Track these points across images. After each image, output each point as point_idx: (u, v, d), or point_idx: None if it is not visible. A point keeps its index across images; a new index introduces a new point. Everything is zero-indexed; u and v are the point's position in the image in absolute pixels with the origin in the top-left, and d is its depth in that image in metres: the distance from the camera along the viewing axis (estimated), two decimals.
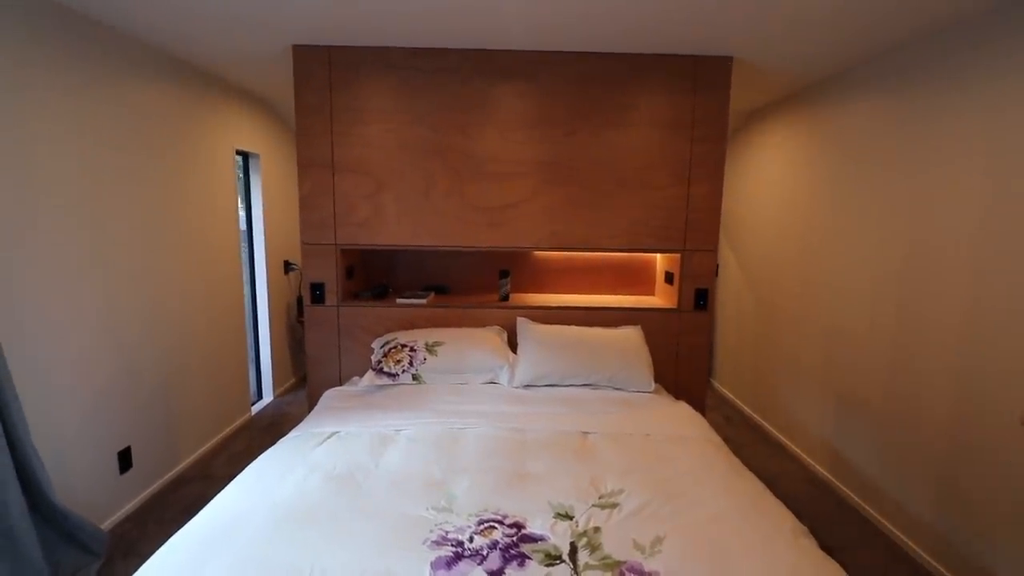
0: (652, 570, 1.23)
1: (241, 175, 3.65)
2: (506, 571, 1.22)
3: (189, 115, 2.86)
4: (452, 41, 2.47)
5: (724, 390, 4.28)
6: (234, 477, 1.70)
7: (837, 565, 1.31)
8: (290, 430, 2.09)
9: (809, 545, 1.38)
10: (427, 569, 1.21)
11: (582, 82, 2.61)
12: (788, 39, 2.32)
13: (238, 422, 3.45)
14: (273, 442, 2.07)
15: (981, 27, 1.95)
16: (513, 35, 2.39)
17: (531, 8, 2.07)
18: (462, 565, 1.23)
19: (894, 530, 2.35)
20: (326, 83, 2.57)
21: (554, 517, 1.44)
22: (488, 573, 1.21)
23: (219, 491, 1.60)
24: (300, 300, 4.28)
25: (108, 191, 2.30)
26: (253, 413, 3.68)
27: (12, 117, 1.86)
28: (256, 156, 3.67)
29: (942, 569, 2.09)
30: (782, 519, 1.47)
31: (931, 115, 2.18)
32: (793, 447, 3.21)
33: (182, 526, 1.41)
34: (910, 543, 2.26)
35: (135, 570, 1.25)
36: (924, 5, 1.92)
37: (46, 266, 2.01)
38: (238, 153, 3.46)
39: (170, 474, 2.75)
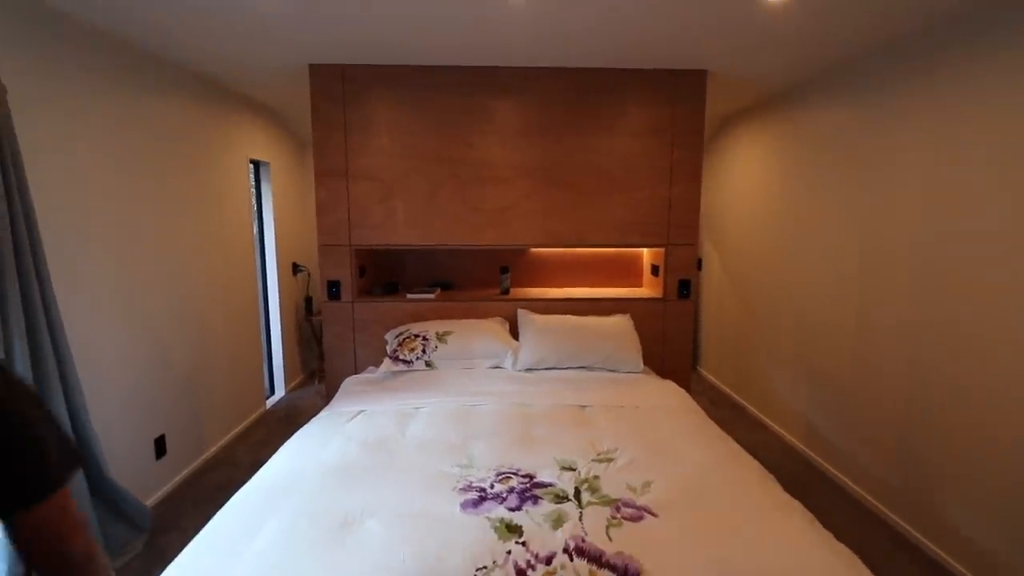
0: (643, 504, 1.50)
1: (253, 182, 3.87)
2: (523, 507, 1.48)
3: (208, 128, 3.09)
4: (455, 59, 2.74)
5: (710, 376, 4.58)
6: (258, 463, 1.88)
7: (798, 503, 1.58)
8: (304, 421, 2.30)
9: (774, 487, 1.66)
10: (457, 508, 1.47)
11: (573, 94, 2.88)
12: (757, 54, 2.61)
13: (255, 414, 3.67)
14: (290, 432, 2.22)
15: (935, 37, 2.19)
16: (512, 54, 2.65)
17: (528, 30, 2.34)
18: (487, 504, 1.49)
19: (857, 488, 2.65)
20: (340, 98, 2.82)
21: (560, 469, 1.70)
22: (509, 509, 1.47)
23: (246, 476, 1.74)
24: (308, 300, 4.50)
25: (138, 200, 2.52)
26: (268, 407, 3.90)
27: (49, 132, 2.05)
28: (267, 164, 3.89)
29: (897, 518, 2.39)
30: (752, 468, 1.75)
31: (888, 118, 2.46)
32: (770, 422, 3.51)
33: (216, 507, 1.54)
34: (870, 498, 2.56)
35: (176, 545, 1.35)
36: (882, 19, 2.17)
37: (94, 268, 2.23)
38: (251, 162, 3.68)
39: (199, 460, 2.97)
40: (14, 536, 0.74)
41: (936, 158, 2.19)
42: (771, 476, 1.75)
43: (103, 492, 2.14)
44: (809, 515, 1.49)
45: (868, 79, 2.58)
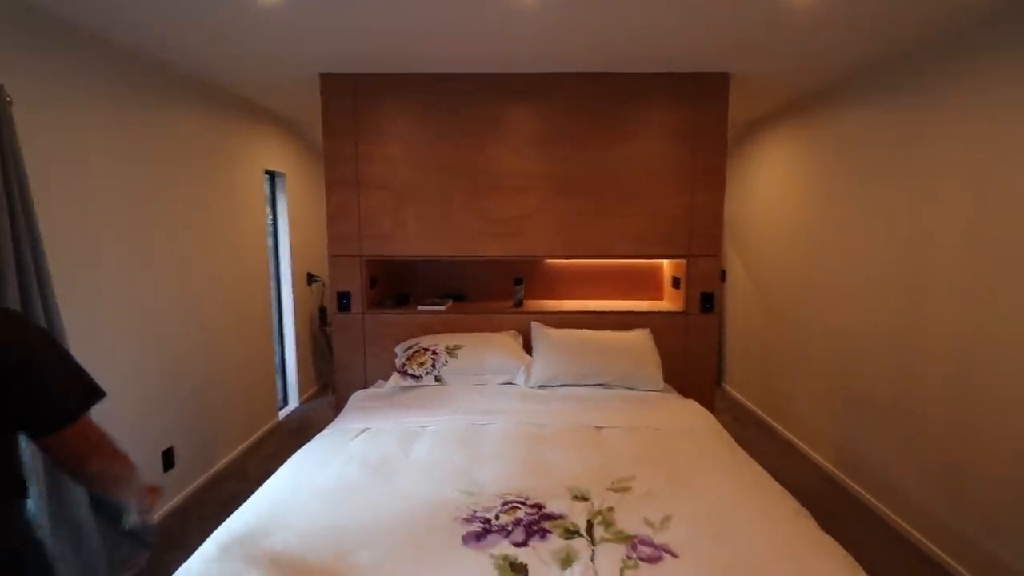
0: (662, 543, 1.37)
1: (268, 193, 3.87)
2: (530, 543, 1.36)
3: (223, 138, 3.08)
4: (467, 66, 2.67)
5: (735, 392, 4.38)
6: (267, 476, 1.79)
7: (835, 541, 1.42)
8: (315, 434, 2.23)
9: (808, 524, 1.50)
10: (459, 541, 1.36)
11: (590, 100, 2.78)
12: (783, 56, 2.47)
13: (267, 426, 3.62)
14: (300, 445, 2.18)
15: (975, 38, 2.06)
16: (525, 60, 2.57)
17: (542, 35, 2.26)
18: (490, 538, 1.37)
19: (898, 520, 2.45)
20: (351, 107, 2.78)
21: (571, 499, 1.58)
22: (514, 545, 1.35)
23: (254, 489, 1.69)
24: (323, 310, 4.47)
25: (152, 209, 2.51)
26: (280, 418, 3.85)
27: (64, 142, 2.05)
28: (282, 175, 3.89)
29: (945, 556, 2.18)
30: (783, 500, 1.60)
31: (926, 122, 2.30)
32: (800, 443, 3.30)
33: (222, 521, 1.49)
34: (914, 532, 2.35)
35: (179, 563, 1.28)
36: (916, 18, 2.04)
37: (102, 278, 2.21)
38: (266, 172, 3.68)
39: (208, 473, 2.93)
40: (46, 455, 0.95)
41: (985, 160, 2.02)
42: (805, 511, 1.59)
43: (106, 506, 2.10)
44: (850, 559, 1.33)
45: (904, 80, 2.41)
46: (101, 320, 2.20)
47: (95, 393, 0.98)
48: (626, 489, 1.64)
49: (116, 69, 2.28)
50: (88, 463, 0.95)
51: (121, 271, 2.31)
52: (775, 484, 1.73)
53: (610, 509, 1.52)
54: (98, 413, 2.09)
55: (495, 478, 1.69)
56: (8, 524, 0.91)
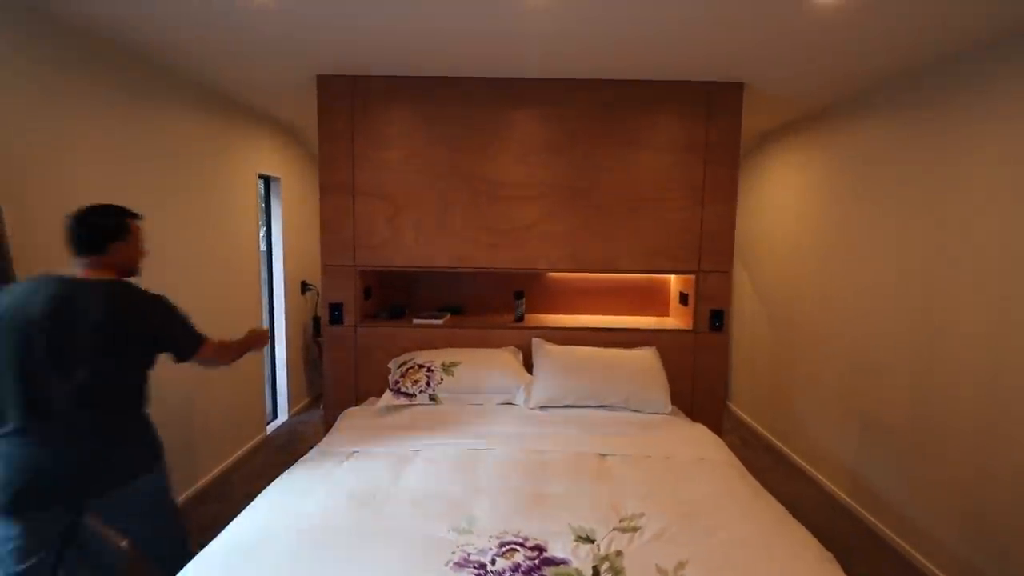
0: None
1: (262, 197, 3.75)
2: None
3: (215, 141, 2.96)
4: (471, 70, 2.56)
5: (740, 412, 4.23)
6: (251, 496, 1.72)
7: None
8: (304, 450, 2.11)
9: (834, 571, 1.37)
10: None
11: (597, 108, 2.67)
12: (797, 67, 2.37)
13: (254, 441, 3.47)
14: (288, 462, 2.08)
15: (998, 50, 1.97)
16: (532, 65, 2.47)
17: (550, 40, 2.15)
18: None
19: (919, 557, 2.30)
20: (349, 111, 2.66)
21: (575, 540, 1.43)
22: None
23: (236, 511, 1.61)
24: (316, 320, 4.33)
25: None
26: (268, 432, 3.70)
27: (52, 143, 1.95)
28: (277, 180, 3.77)
29: None
30: (806, 544, 1.46)
31: (947, 137, 2.20)
32: (812, 471, 3.16)
33: (200, 547, 1.41)
34: (936, 571, 2.20)
35: None
36: (939, 29, 1.95)
37: None
38: (260, 177, 3.56)
39: (187, 492, 2.77)
40: (193, 362, 1.63)
41: (1010, 177, 1.90)
42: (830, 555, 1.45)
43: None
44: None
45: (924, 95, 2.31)
46: None
47: (199, 332, 1.64)
48: (635, 529, 1.49)
49: (102, 67, 2.17)
50: (220, 362, 1.73)
51: None
52: (795, 523, 1.59)
53: (618, 553, 1.38)
54: None
55: (491, 513, 1.55)
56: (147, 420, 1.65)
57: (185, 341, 1.59)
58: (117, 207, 1.57)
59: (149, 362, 1.57)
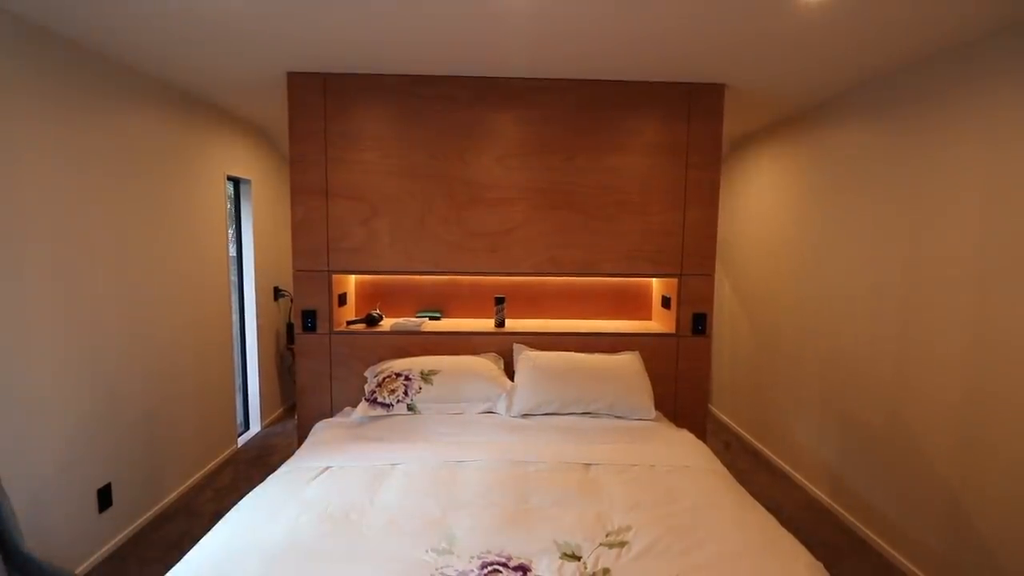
0: None
1: (232, 200, 3.61)
2: None
3: (178, 140, 2.82)
4: (450, 69, 2.49)
5: (722, 415, 4.24)
6: (220, 513, 1.62)
7: None
8: (278, 463, 2.01)
9: None
10: None
11: (579, 109, 2.62)
12: (779, 67, 2.36)
13: (224, 454, 3.32)
14: (260, 476, 1.98)
15: (974, 53, 1.99)
16: (512, 64, 2.41)
17: (531, 43, 2.09)
18: None
19: (900, 558, 2.30)
20: (321, 109, 2.56)
21: (560, 557, 1.37)
22: None
23: (205, 529, 1.52)
24: (290, 327, 4.19)
25: (94, 215, 2.24)
26: (239, 445, 3.55)
27: (8, 144, 1.81)
28: (248, 182, 3.63)
29: None
30: (796, 556, 1.42)
31: (926, 139, 2.21)
32: (794, 473, 3.16)
33: (166, 567, 1.33)
34: (915, 570, 2.20)
35: None
36: (920, 31, 1.95)
37: (27, 290, 1.94)
38: (229, 179, 3.42)
39: (152, 510, 2.62)
40: None
41: (989, 178, 1.91)
42: (819, 564, 1.42)
43: (17, 567, 1.81)
44: None
45: (904, 96, 2.32)
46: (24, 339, 1.92)
47: None
48: (622, 544, 1.44)
49: (55, 61, 2.03)
50: None
51: (52, 283, 2.04)
52: (784, 532, 1.55)
53: (605, 571, 1.32)
54: (16, 449, 1.83)
55: (473, 531, 1.48)
56: None
57: None
58: None
59: None
